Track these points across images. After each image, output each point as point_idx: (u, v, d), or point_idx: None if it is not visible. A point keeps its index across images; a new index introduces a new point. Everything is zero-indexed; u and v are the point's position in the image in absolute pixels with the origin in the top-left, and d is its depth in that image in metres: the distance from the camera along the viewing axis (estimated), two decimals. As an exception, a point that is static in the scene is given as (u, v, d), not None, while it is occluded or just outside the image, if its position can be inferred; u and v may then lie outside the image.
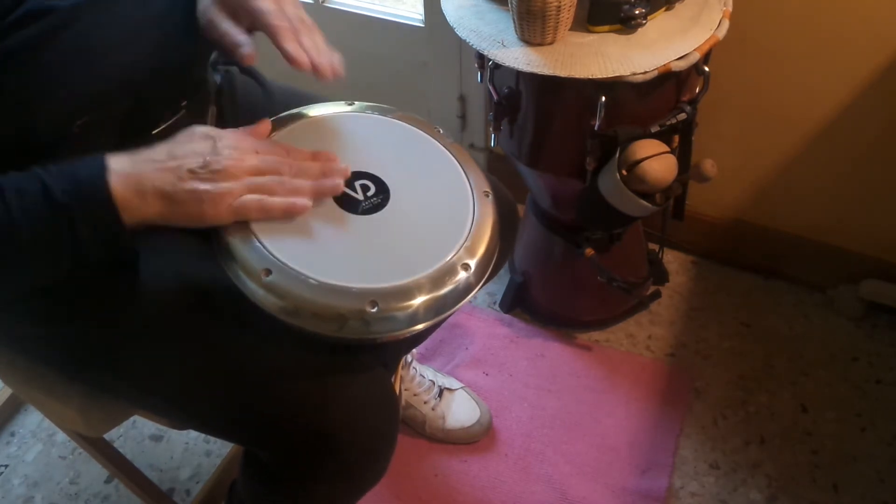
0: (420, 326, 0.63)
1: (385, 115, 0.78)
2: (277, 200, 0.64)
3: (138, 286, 0.72)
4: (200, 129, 0.65)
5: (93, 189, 0.59)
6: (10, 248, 0.58)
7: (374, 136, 0.76)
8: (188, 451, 1.29)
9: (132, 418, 0.90)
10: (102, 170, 0.59)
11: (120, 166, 0.60)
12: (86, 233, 0.59)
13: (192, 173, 0.61)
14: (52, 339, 0.76)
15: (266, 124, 0.71)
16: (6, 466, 1.30)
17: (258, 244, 0.63)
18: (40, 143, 0.64)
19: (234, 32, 0.69)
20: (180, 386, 0.72)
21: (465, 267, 0.66)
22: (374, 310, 0.61)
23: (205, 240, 0.67)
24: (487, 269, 0.68)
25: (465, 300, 0.65)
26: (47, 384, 0.85)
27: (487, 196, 0.72)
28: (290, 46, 0.68)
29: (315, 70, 0.68)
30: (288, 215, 0.64)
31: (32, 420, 1.36)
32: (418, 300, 0.63)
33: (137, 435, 1.32)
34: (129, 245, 0.63)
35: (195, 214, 0.62)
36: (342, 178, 0.68)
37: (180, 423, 0.86)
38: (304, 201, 0.64)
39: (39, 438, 1.33)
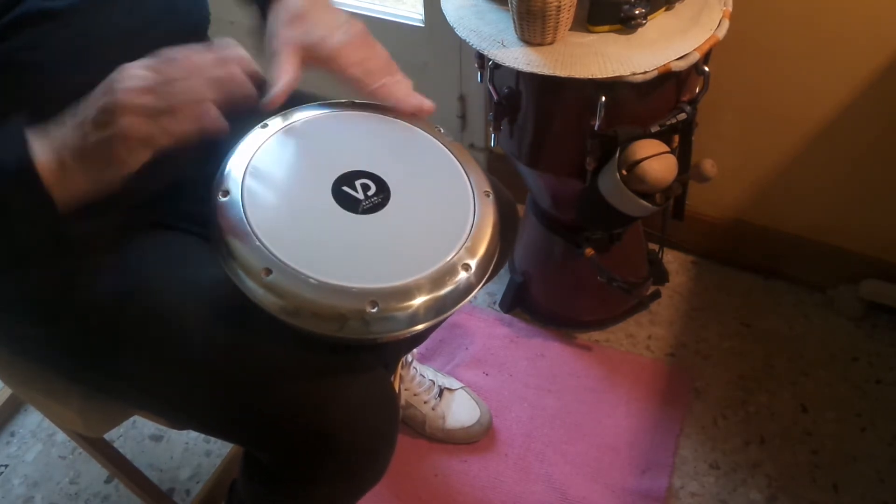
0: (420, 326, 0.63)
1: (385, 114, 0.78)
2: (180, 118, 0.60)
3: (138, 286, 0.72)
4: (106, 80, 0.60)
5: (19, 170, 0.57)
6: None
7: (374, 135, 0.76)
8: (188, 451, 1.29)
9: (132, 418, 0.90)
10: (25, 150, 0.57)
11: (39, 138, 0.58)
12: (20, 223, 0.58)
13: (94, 123, 0.58)
14: (51, 339, 0.76)
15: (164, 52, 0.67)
16: (6, 466, 1.30)
17: (258, 243, 0.62)
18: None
19: (284, 70, 0.68)
20: (180, 386, 0.72)
21: (466, 267, 0.65)
22: (374, 310, 0.61)
23: (205, 239, 0.66)
24: (488, 269, 0.68)
25: (466, 300, 0.65)
26: (47, 385, 0.85)
27: (488, 196, 0.72)
28: (410, 102, 0.73)
29: (419, 112, 0.74)
30: (199, 129, 0.61)
31: (32, 420, 1.36)
32: (418, 300, 0.62)
33: (137, 435, 1.32)
34: (67, 229, 0.60)
35: (114, 163, 0.59)
36: (238, 65, 0.63)
37: (180, 423, 0.86)
38: (209, 108, 0.60)
39: (39, 438, 1.33)
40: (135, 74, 0.59)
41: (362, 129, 0.76)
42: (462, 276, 0.65)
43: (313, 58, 0.71)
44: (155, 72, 0.60)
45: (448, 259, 0.66)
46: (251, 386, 0.70)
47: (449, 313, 0.65)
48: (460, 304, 0.65)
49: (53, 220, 0.59)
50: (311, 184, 0.69)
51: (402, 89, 0.74)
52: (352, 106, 0.78)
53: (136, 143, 0.59)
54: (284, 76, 0.68)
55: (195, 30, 0.78)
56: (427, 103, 0.74)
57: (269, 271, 0.61)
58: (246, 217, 0.64)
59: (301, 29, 0.71)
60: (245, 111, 0.64)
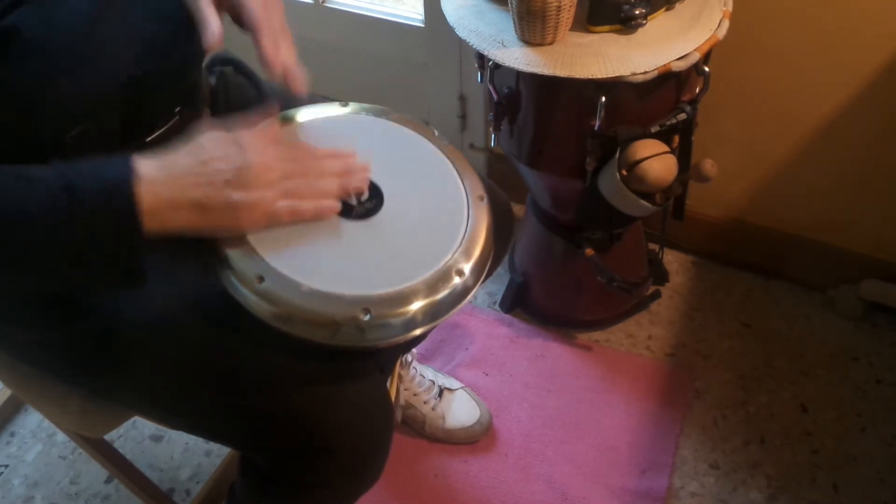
0: (416, 332, 0.63)
1: (379, 117, 0.77)
2: (307, 205, 0.63)
3: (134, 294, 0.72)
4: (222, 133, 0.63)
5: (119, 192, 0.57)
6: (24, 241, 0.56)
7: (367, 138, 0.76)
8: (188, 451, 1.29)
9: (132, 418, 0.90)
10: (129, 172, 0.57)
11: (149, 173, 0.58)
12: (101, 236, 0.57)
13: (228, 183, 0.59)
14: (50, 345, 0.76)
15: (275, 121, 0.71)
16: (6, 466, 1.30)
17: (251, 251, 0.62)
18: (35, 153, 0.64)
19: (208, 13, 0.67)
20: (176, 393, 0.72)
21: (460, 272, 0.65)
22: (367, 317, 0.60)
23: (199, 247, 0.66)
24: (483, 272, 0.68)
25: (461, 305, 0.65)
26: (47, 386, 0.85)
27: (482, 200, 0.72)
28: (270, 48, 0.67)
29: (287, 77, 0.68)
30: (318, 218, 0.64)
31: (32, 420, 1.36)
32: (414, 306, 0.62)
33: (137, 435, 1.32)
34: (143, 254, 0.60)
35: (230, 224, 0.61)
36: (364, 173, 0.68)
37: (177, 427, 0.86)
38: (332, 203, 0.64)
39: (39, 438, 1.33)
40: (270, 152, 0.63)
41: (355, 133, 0.76)
42: (457, 280, 0.65)
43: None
44: (288, 157, 0.64)
45: (442, 264, 0.65)
46: (247, 392, 0.70)
47: (443, 318, 0.65)
48: (455, 309, 0.65)
49: (131, 250, 0.58)
50: None
51: (285, 50, 0.69)
52: (346, 108, 0.78)
53: (262, 216, 0.61)
54: (210, 17, 0.67)
55: (190, 36, 0.77)
56: (298, 77, 0.69)
57: (261, 279, 0.61)
58: None
59: None
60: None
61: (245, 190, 0.60)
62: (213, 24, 0.66)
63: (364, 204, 0.68)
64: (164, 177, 0.59)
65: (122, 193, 0.57)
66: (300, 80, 0.68)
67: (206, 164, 0.60)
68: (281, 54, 0.68)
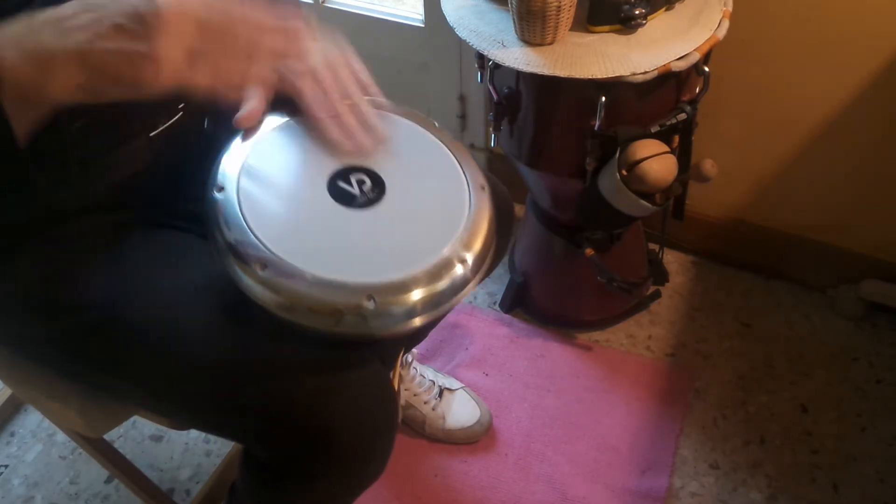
0: (417, 321, 0.63)
1: (381, 109, 0.77)
2: (234, 80, 0.53)
3: (135, 285, 0.72)
4: None
5: None
6: None
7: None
8: (188, 451, 1.29)
9: (132, 418, 0.90)
10: None
11: (8, 28, 0.48)
12: None
13: (120, 28, 0.48)
14: (49, 339, 0.76)
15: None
16: (6, 466, 1.30)
17: (254, 239, 0.62)
18: (36, 145, 0.64)
19: (252, 94, 0.61)
20: (177, 383, 0.72)
21: (462, 261, 0.65)
22: (370, 304, 0.61)
23: (202, 236, 0.66)
24: (484, 262, 0.68)
25: (462, 294, 0.65)
26: (47, 384, 0.85)
27: (483, 189, 0.72)
28: (334, 137, 0.66)
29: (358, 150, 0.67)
30: (237, 93, 0.55)
31: (32, 420, 1.36)
32: (415, 294, 0.62)
33: (137, 435, 1.32)
34: (20, 138, 0.51)
35: (128, 81, 0.50)
36: (301, 53, 0.58)
37: (179, 421, 0.86)
38: (259, 71, 0.54)
39: (39, 438, 1.33)
40: (191, 2, 0.51)
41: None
42: (458, 269, 0.65)
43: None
44: (213, 10, 0.52)
45: (444, 253, 0.65)
46: (249, 382, 0.70)
47: (446, 307, 0.65)
48: (457, 298, 0.65)
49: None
50: (307, 179, 0.69)
51: (343, 125, 0.66)
52: (346, 102, 0.78)
53: (164, 71, 0.50)
54: (253, 100, 0.62)
55: None
56: (363, 142, 0.66)
57: (264, 266, 0.61)
58: (242, 212, 0.64)
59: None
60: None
61: (145, 38, 0.48)
62: (251, 105, 0.60)
63: (366, 193, 0.68)
64: (27, 27, 0.48)
65: None
66: (369, 145, 0.67)
67: (93, 9, 0.49)
68: (346, 131, 0.66)
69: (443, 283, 0.64)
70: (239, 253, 0.62)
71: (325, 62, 0.66)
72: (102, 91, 0.50)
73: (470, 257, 0.66)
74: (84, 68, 0.48)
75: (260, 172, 0.68)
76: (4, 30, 0.48)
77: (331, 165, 0.70)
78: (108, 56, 0.48)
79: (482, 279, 0.70)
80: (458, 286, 0.65)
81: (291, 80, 0.65)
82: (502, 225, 0.77)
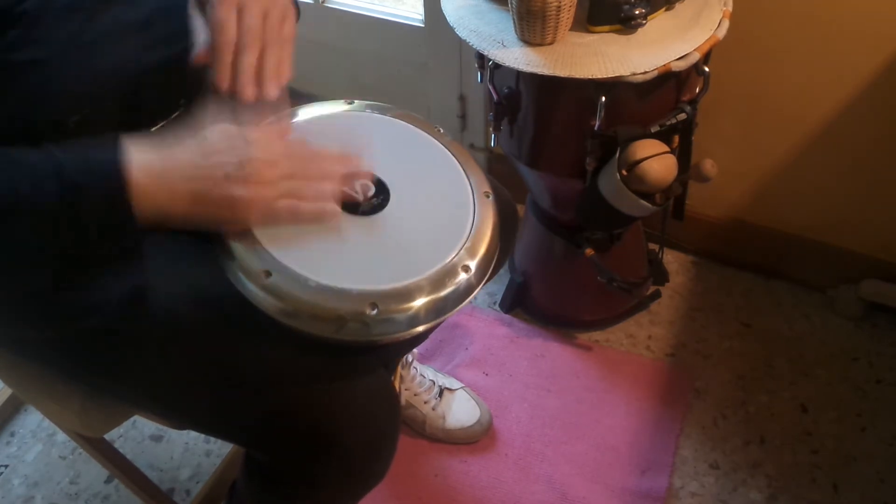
0: (420, 328, 0.63)
1: (384, 114, 0.78)
2: (307, 206, 0.63)
3: (138, 289, 0.72)
4: (230, 128, 0.63)
5: (107, 173, 0.57)
6: (14, 224, 0.57)
7: (373, 135, 0.76)
8: (188, 451, 1.29)
9: (132, 418, 0.90)
10: (118, 154, 0.57)
11: (145, 159, 0.58)
12: (92, 216, 0.58)
13: (228, 178, 0.59)
14: (51, 341, 0.76)
15: (287, 123, 0.71)
16: (6, 466, 1.30)
17: (258, 246, 0.62)
18: (36, 139, 0.64)
19: (198, 30, 0.68)
20: (180, 389, 0.72)
21: (466, 268, 0.65)
22: (373, 312, 0.61)
23: (205, 242, 0.66)
24: (488, 270, 0.68)
25: (466, 301, 0.65)
26: (47, 385, 0.85)
27: (488, 197, 0.72)
28: (219, 67, 0.65)
29: (233, 93, 0.65)
30: (317, 221, 0.64)
31: (32, 420, 1.36)
32: (419, 302, 0.62)
33: (137, 435, 1.32)
34: (137, 238, 0.61)
35: (226, 218, 0.61)
36: (367, 179, 0.68)
37: (180, 424, 0.86)
38: (332, 207, 0.64)
39: (39, 438, 1.33)
40: (274, 150, 0.62)
41: (361, 130, 0.76)
42: (462, 277, 0.65)
43: None
44: (291, 156, 0.63)
45: (448, 260, 0.65)
46: (251, 387, 0.70)
47: (449, 314, 0.65)
48: (460, 306, 0.65)
49: (122, 230, 0.59)
50: None
51: (238, 57, 0.65)
52: (351, 106, 0.78)
53: (260, 214, 0.61)
54: (199, 33, 0.67)
55: (190, 29, 0.78)
56: (242, 90, 0.65)
57: (268, 273, 0.61)
58: None
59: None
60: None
61: (245, 185, 0.60)
62: (198, 44, 0.67)
63: (370, 200, 0.68)
64: (163, 165, 0.59)
65: (110, 172, 0.57)
66: (251, 95, 0.65)
67: (208, 157, 0.60)
68: (237, 70, 0.65)
69: (446, 291, 0.64)
70: (243, 259, 0.62)
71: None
72: (199, 222, 0.61)
73: (474, 265, 0.66)
74: (197, 204, 0.60)
75: None
76: (144, 152, 0.58)
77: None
78: (218, 199, 0.60)
79: (485, 284, 0.70)
80: (462, 294, 0.65)
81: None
82: (506, 230, 0.77)
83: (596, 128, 0.97)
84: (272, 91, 0.66)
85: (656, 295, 1.40)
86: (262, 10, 0.66)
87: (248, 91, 0.65)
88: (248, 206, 0.61)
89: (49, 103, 0.64)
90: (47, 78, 0.63)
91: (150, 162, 0.59)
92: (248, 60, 0.65)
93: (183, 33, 0.74)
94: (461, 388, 1.27)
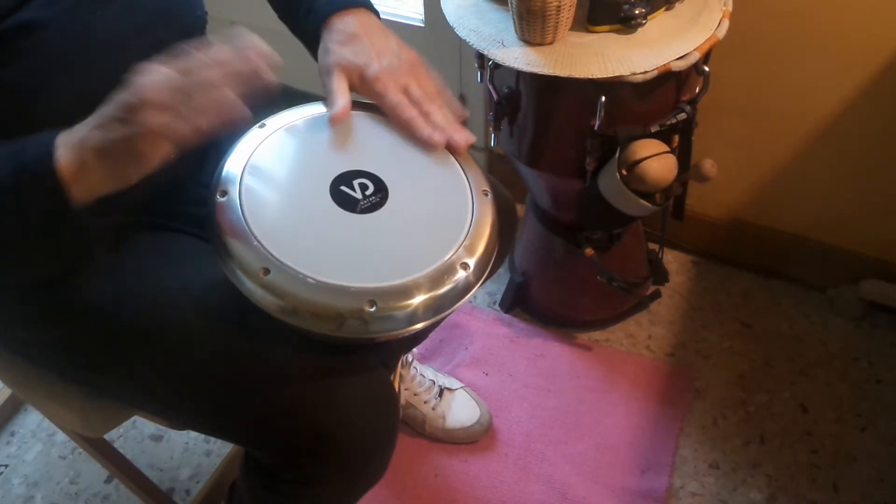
0: (419, 325, 0.63)
1: (383, 113, 0.78)
2: (201, 103, 0.59)
3: (136, 288, 0.72)
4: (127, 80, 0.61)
5: (38, 170, 0.58)
6: None
7: (372, 134, 0.76)
8: (188, 451, 1.29)
9: (132, 418, 0.90)
10: (50, 148, 0.58)
11: (64, 139, 0.59)
12: (34, 215, 0.59)
13: (118, 120, 0.58)
14: (50, 342, 0.76)
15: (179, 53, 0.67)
16: (6, 466, 1.30)
17: (256, 243, 0.63)
18: None
19: (337, 88, 0.73)
20: (179, 387, 0.72)
21: (464, 266, 0.66)
22: (372, 309, 0.61)
23: (204, 240, 0.66)
24: (486, 267, 0.68)
25: (465, 299, 0.65)
26: (47, 386, 0.85)
27: (486, 195, 0.72)
28: (425, 135, 0.72)
29: (451, 147, 0.73)
30: (225, 117, 0.60)
31: (32, 420, 1.36)
32: (417, 299, 0.62)
33: (137, 435, 1.32)
34: (80, 226, 0.61)
35: (138, 161, 0.59)
36: (260, 58, 0.62)
37: (179, 423, 0.86)
38: (226, 94, 0.60)
39: (39, 438, 1.33)
40: (154, 70, 0.59)
41: (360, 129, 0.76)
42: (461, 274, 0.65)
43: (359, 79, 0.73)
44: (174, 67, 0.60)
45: (446, 258, 0.66)
46: (250, 386, 0.70)
47: (448, 312, 0.65)
48: (459, 303, 0.65)
49: (67, 217, 0.59)
50: (310, 183, 0.69)
51: (431, 121, 0.74)
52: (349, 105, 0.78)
53: (159, 137, 0.58)
54: (340, 98, 0.72)
55: (191, 31, 0.78)
56: (459, 137, 0.74)
57: (267, 271, 0.61)
58: (244, 217, 0.64)
59: (351, 49, 0.74)
60: (262, 99, 0.63)
61: (133, 121, 0.57)
62: (339, 101, 0.72)
63: (369, 198, 0.69)
64: (74, 138, 0.59)
65: (42, 167, 0.58)
66: (463, 143, 0.74)
67: (101, 113, 0.59)
68: (437, 129, 0.73)
69: (445, 288, 0.64)
70: (241, 257, 0.62)
71: (403, 63, 0.75)
72: (125, 174, 0.60)
73: (472, 262, 0.66)
74: (105, 161, 0.58)
75: (263, 176, 0.68)
76: (66, 135, 0.59)
77: (333, 170, 0.70)
78: (118, 145, 0.58)
79: (484, 282, 0.70)
80: (461, 291, 0.65)
81: (371, 84, 0.73)
82: (504, 229, 0.77)
83: (596, 128, 0.97)
84: (468, 133, 0.74)
85: (656, 295, 1.40)
86: (415, 80, 0.74)
87: (459, 137, 0.73)
88: (148, 139, 0.58)
89: (45, 111, 0.64)
90: (43, 86, 0.63)
91: (69, 141, 0.59)
92: (440, 120, 0.73)
93: (180, 37, 0.74)
94: (461, 387, 1.27)
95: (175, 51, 0.62)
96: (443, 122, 0.73)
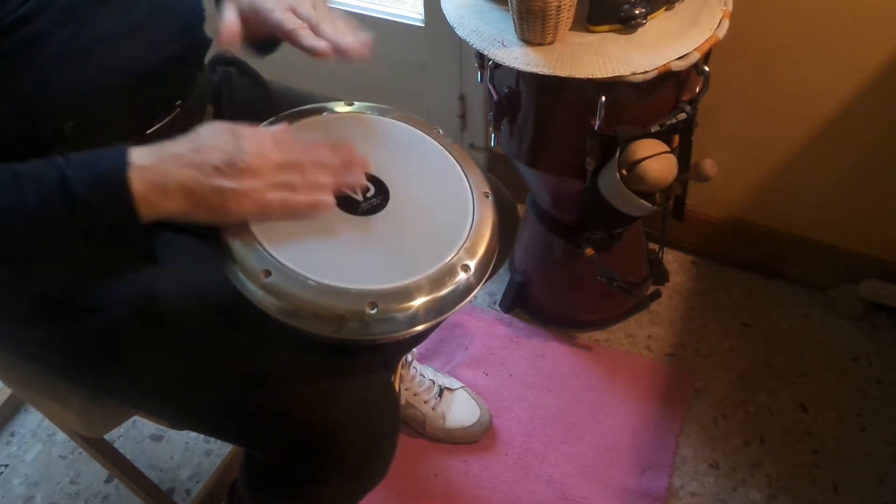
0: (420, 327, 0.63)
1: (384, 116, 0.78)
2: (301, 198, 0.63)
3: (138, 288, 0.72)
4: (222, 125, 0.64)
5: (112, 183, 0.58)
6: (24, 237, 0.59)
7: (373, 136, 0.76)
8: (188, 451, 1.29)
9: (132, 418, 0.90)
10: (124, 164, 0.59)
11: (142, 160, 0.60)
12: (99, 227, 0.59)
13: (217, 170, 0.60)
14: (51, 341, 0.76)
15: (286, 129, 0.71)
16: (6, 466, 1.30)
17: (258, 245, 0.63)
18: (34, 145, 0.64)
19: (228, 10, 0.71)
20: (180, 389, 0.72)
21: (465, 268, 0.65)
22: (373, 311, 0.61)
23: (204, 241, 0.66)
24: (487, 269, 0.68)
25: (465, 301, 0.65)
26: (47, 385, 0.85)
27: (487, 197, 0.72)
28: (309, 43, 0.68)
29: (340, 52, 0.69)
30: (311, 213, 0.64)
31: (32, 420, 1.36)
32: (418, 301, 0.62)
33: (137, 435, 1.32)
34: (145, 242, 0.63)
35: (219, 211, 0.61)
36: (363, 170, 0.68)
37: (180, 424, 0.86)
38: (327, 198, 0.64)
39: (39, 438, 1.33)
40: (265, 144, 0.63)
41: (361, 131, 0.76)
42: (461, 276, 0.65)
43: (248, 4, 0.72)
44: (283, 149, 0.64)
45: (447, 260, 0.66)
46: (251, 387, 0.70)
47: (448, 314, 0.65)
48: (460, 305, 0.65)
49: (130, 233, 0.61)
50: None
51: (319, 32, 0.70)
52: (351, 107, 0.78)
53: (252, 206, 0.62)
54: (229, 15, 0.71)
55: (189, 27, 0.78)
56: (348, 40, 0.69)
57: (268, 273, 0.61)
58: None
59: None
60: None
61: (235, 178, 0.60)
62: (228, 19, 0.69)
63: (370, 200, 0.69)
64: (154, 161, 0.60)
65: (115, 183, 0.58)
66: (355, 48, 0.70)
67: (199, 151, 0.61)
68: (324, 39, 0.69)
69: (446, 290, 0.64)
70: (242, 259, 0.62)
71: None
72: (198, 216, 0.62)
73: (473, 264, 0.66)
74: (189, 198, 0.60)
75: None
76: (142, 154, 0.60)
77: None
78: (209, 191, 0.60)
79: (484, 283, 0.70)
80: (462, 293, 0.65)
81: (258, 4, 0.70)
82: (506, 230, 0.77)
83: (596, 128, 0.97)
84: (354, 41, 0.70)
85: (656, 295, 1.40)
86: (311, 2, 0.71)
87: (346, 39, 0.69)
88: (239, 199, 0.61)
89: (45, 110, 0.64)
90: (42, 85, 0.63)
91: (147, 164, 0.60)
92: (328, 29, 0.69)
93: (178, 33, 0.74)
94: (461, 387, 1.27)
95: (286, 124, 0.67)
96: (332, 32, 0.70)
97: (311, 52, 0.68)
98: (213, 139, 0.62)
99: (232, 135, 0.62)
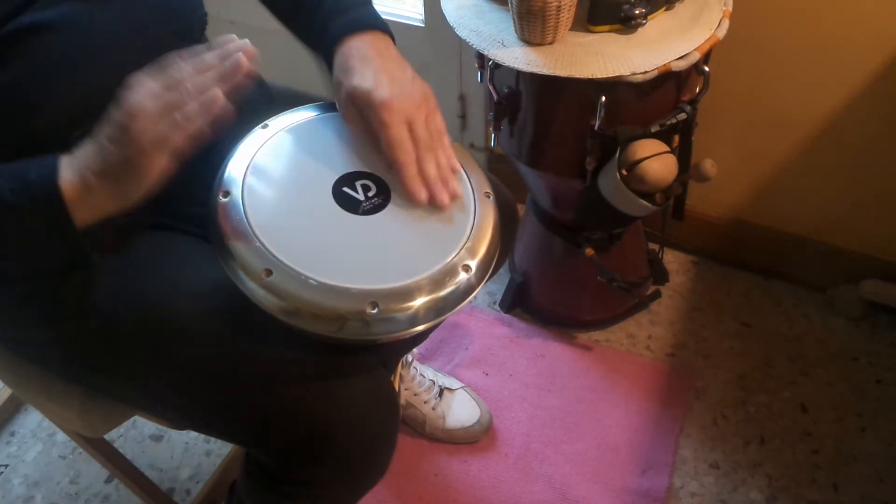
0: (420, 327, 0.63)
1: None
2: (193, 106, 0.60)
3: (138, 288, 0.72)
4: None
5: (42, 191, 0.59)
6: None
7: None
8: (188, 451, 1.29)
9: (132, 418, 0.90)
10: (54, 169, 0.60)
11: (66, 163, 0.60)
12: (37, 234, 0.60)
13: (111, 140, 0.60)
14: (50, 342, 0.76)
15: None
16: (6, 466, 1.30)
17: (259, 244, 0.63)
18: (40, 153, 0.64)
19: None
20: (179, 388, 0.72)
21: (466, 268, 0.66)
22: (374, 311, 0.61)
23: (205, 240, 0.66)
24: (488, 270, 0.68)
25: (466, 301, 0.65)
26: (47, 386, 0.85)
27: (489, 197, 0.72)
28: (411, 186, 0.68)
29: (432, 203, 0.69)
30: (210, 118, 0.61)
31: (32, 420, 1.36)
32: (419, 301, 0.62)
33: (137, 435, 1.32)
34: (83, 246, 0.63)
35: (136, 175, 0.60)
36: (239, 51, 0.63)
37: (180, 424, 0.86)
38: (216, 92, 0.61)
39: (39, 438, 1.33)
40: (140, 82, 0.61)
41: (362, 130, 0.76)
42: (462, 277, 0.65)
43: (366, 103, 0.69)
44: (159, 77, 0.61)
45: (448, 260, 0.66)
46: (251, 387, 0.70)
47: (449, 314, 0.65)
48: (461, 305, 0.65)
49: (72, 238, 0.61)
50: (312, 185, 0.69)
51: (422, 170, 0.69)
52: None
53: (152, 149, 0.60)
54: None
55: (190, 31, 0.78)
56: (442, 197, 0.69)
57: (269, 272, 0.61)
58: (246, 218, 0.64)
59: (361, 74, 0.70)
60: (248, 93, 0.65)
61: (128, 139, 0.59)
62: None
63: (371, 199, 0.69)
64: (75, 163, 0.60)
65: (45, 188, 0.59)
66: (445, 201, 0.69)
67: (97, 134, 0.61)
68: (425, 180, 0.69)
69: (447, 290, 0.64)
70: (243, 258, 0.62)
71: (417, 106, 0.70)
72: (127, 192, 0.61)
73: (474, 264, 0.66)
74: (105, 181, 0.60)
75: (265, 178, 0.68)
76: (67, 159, 0.61)
77: (336, 171, 0.70)
78: (115, 164, 0.59)
79: (485, 284, 0.70)
80: (463, 293, 0.65)
81: (378, 111, 0.68)
82: (506, 230, 0.77)
83: (596, 128, 0.97)
84: (456, 187, 0.70)
85: (656, 295, 1.40)
86: (423, 116, 0.70)
87: (443, 197, 0.69)
88: (139, 149, 0.59)
89: (49, 119, 0.64)
90: (48, 90, 0.63)
91: (71, 166, 0.60)
92: (432, 173, 0.69)
93: (182, 36, 0.74)
94: (461, 387, 1.27)
95: (162, 61, 0.63)
96: (433, 175, 0.69)
97: (409, 195, 0.68)
98: (105, 119, 0.61)
99: (115, 105, 0.61)
